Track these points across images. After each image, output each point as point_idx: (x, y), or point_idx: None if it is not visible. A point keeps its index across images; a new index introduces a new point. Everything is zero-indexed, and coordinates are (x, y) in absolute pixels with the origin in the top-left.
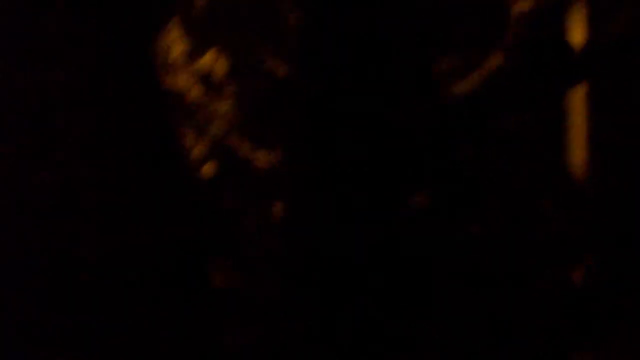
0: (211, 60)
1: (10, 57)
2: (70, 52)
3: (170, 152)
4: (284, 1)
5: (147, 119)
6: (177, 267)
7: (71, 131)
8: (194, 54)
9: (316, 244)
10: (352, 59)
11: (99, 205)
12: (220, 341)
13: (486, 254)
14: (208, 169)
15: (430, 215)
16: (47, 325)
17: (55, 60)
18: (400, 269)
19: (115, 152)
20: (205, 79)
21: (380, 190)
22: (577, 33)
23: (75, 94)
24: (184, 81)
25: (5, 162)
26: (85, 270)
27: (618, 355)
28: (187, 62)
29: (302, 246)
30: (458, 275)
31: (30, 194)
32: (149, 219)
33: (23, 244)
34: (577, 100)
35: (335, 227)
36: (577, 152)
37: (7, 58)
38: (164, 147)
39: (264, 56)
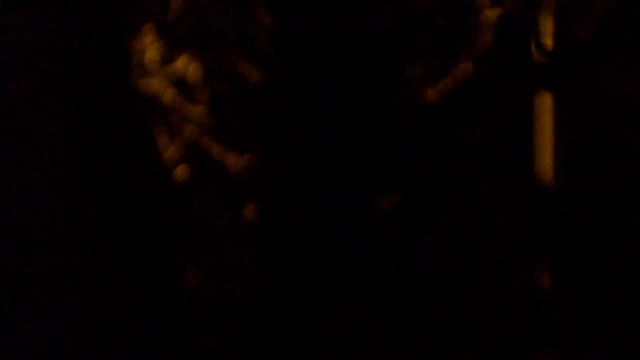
0: (184, 64)
1: None
2: (42, 56)
3: (143, 154)
4: (256, 6)
5: (120, 121)
6: (147, 269)
7: (42, 134)
8: (167, 57)
9: (287, 246)
10: (322, 64)
11: (69, 207)
12: (191, 342)
13: (450, 258)
14: (180, 171)
15: (396, 218)
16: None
17: (26, 63)
18: (367, 271)
19: (87, 154)
20: (179, 82)
21: (348, 193)
22: (543, 40)
23: (47, 96)
24: (157, 84)
25: None
26: (55, 275)
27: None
28: (161, 65)
29: (273, 248)
30: (422, 279)
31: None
32: (120, 220)
33: None
34: (544, 106)
35: (306, 229)
36: (544, 158)
37: None
38: (137, 149)
39: (236, 60)
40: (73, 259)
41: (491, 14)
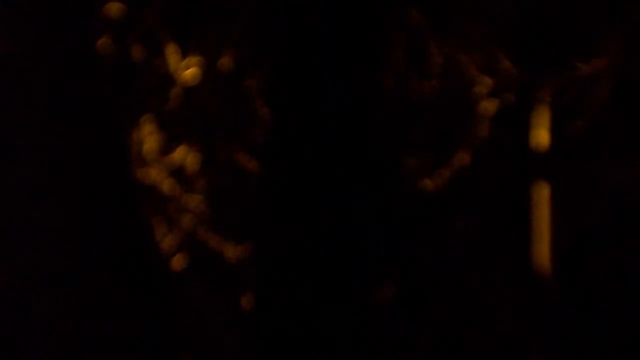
0: (183, 155)
1: None
2: (42, 146)
3: (141, 243)
4: (254, 99)
5: (118, 211)
6: (145, 357)
7: (43, 225)
8: (166, 147)
9: (284, 335)
10: (319, 157)
11: (66, 299)
12: None
13: (447, 348)
14: (178, 260)
15: (395, 310)
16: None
17: (27, 153)
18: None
19: (86, 244)
20: (177, 172)
21: (346, 284)
22: (540, 133)
23: (46, 187)
24: (155, 174)
25: None
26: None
27: None
28: (159, 155)
29: (270, 337)
30: None
31: None
32: (118, 310)
33: None
34: (541, 196)
35: (304, 319)
36: (541, 248)
37: None
38: (135, 238)
39: (234, 152)
40: (75, 355)
41: (488, 105)
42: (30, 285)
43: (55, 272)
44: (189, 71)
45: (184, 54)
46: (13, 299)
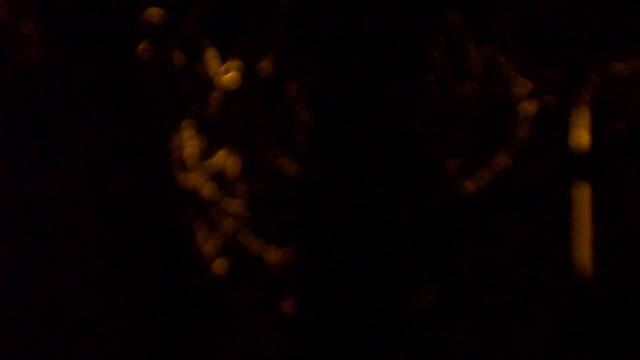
0: (223, 159)
1: (19, 159)
2: (84, 152)
3: (182, 248)
4: (294, 103)
5: (160, 216)
6: None
7: (82, 229)
8: (206, 152)
9: (325, 339)
10: (359, 159)
11: (108, 304)
12: None
13: (487, 351)
14: (219, 265)
15: (434, 313)
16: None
17: (69, 160)
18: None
19: (128, 249)
20: (218, 177)
21: (387, 286)
22: (580, 134)
23: (88, 193)
24: (196, 179)
25: None
26: None
27: None
28: (200, 160)
29: (311, 341)
30: None
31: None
32: (161, 316)
33: None
34: (582, 197)
35: (344, 323)
36: (582, 249)
37: (17, 161)
38: (176, 243)
39: (274, 156)
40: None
41: (528, 107)
42: (73, 290)
43: (98, 277)
44: (228, 76)
45: (224, 58)
46: (57, 304)
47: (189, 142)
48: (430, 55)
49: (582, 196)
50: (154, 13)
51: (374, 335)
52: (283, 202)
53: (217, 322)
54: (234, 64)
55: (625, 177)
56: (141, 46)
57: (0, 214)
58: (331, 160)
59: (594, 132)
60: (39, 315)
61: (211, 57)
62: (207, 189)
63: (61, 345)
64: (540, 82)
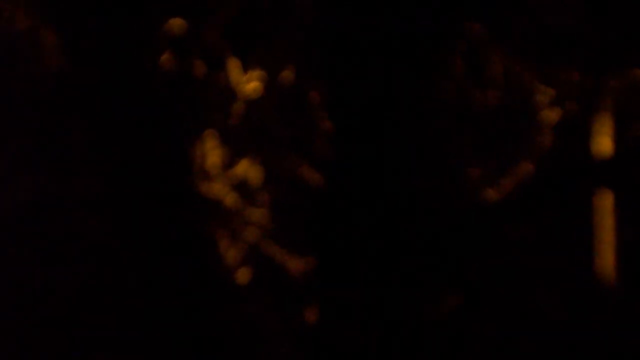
0: (245, 169)
1: (39, 167)
2: (105, 162)
3: (204, 258)
4: (317, 112)
5: (182, 226)
6: None
7: (103, 238)
8: (229, 162)
9: (348, 349)
10: (381, 168)
11: (128, 312)
12: None
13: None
14: (242, 274)
15: (459, 321)
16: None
17: (89, 169)
18: None
19: (149, 257)
20: (240, 186)
21: (408, 295)
22: (603, 141)
23: (110, 201)
24: (219, 188)
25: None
26: None
27: None
28: (222, 170)
29: (334, 351)
30: None
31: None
32: (182, 325)
33: None
34: (605, 205)
35: (368, 333)
36: (606, 257)
37: (37, 169)
38: (199, 252)
39: (297, 165)
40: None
41: (550, 114)
42: (93, 295)
43: (118, 284)
44: (250, 85)
45: (246, 68)
46: (76, 307)
47: (211, 152)
48: (452, 63)
49: (605, 203)
50: (177, 23)
51: (396, 343)
52: (306, 211)
53: (238, 331)
54: (256, 73)
55: None
56: (163, 57)
57: (19, 220)
58: (353, 169)
59: (616, 139)
60: (50, 321)
61: (233, 66)
62: (230, 199)
63: (74, 351)
64: (562, 90)
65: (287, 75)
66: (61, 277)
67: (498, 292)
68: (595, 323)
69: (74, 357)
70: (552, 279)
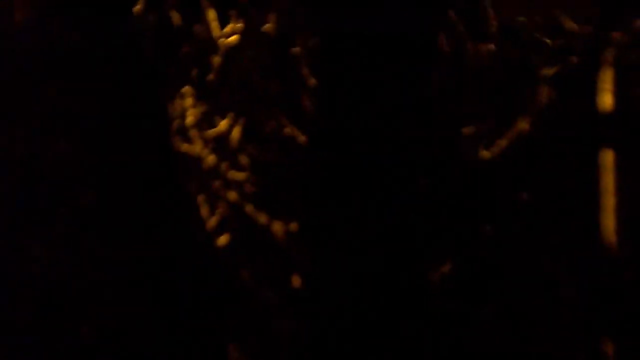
0: (226, 127)
1: (10, 126)
2: (83, 121)
3: (185, 221)
4: (301, 67)
5: (160, 189)
6: (192, 340)
7: (80, 202)
8: (208, 120)
9: (336, 315)
10: (372, 126)
11: (112, 281)
12: None
13: (510, 324)
14: (223, 238)
15: (453, 287)
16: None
17: (67, 128)
18: (420, 343)
19: (127, 222)
20: (221, 146)
21: (399, 261)
22: (604, 98)
23: (88, 163)
24: (199, 149)
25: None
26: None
27: None
28: (202, 129)
29: (322, 318)
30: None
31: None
32: (164, 291)
33: None
34: (606, 164)
35: (356, 300)
36: (606, 219)
37: (7, 128)
38: (179, 216)
39: (281, 123)
40: (111, 332)
41: (549, 71)
42: (67, 264)
43: (93, 251)
44: (231, 39)
45: (226, 20)
46: (52, 276)
47: (190, 110)
48: (445, 15)
49: (606, 162)
50: None
51: (387, 311)
52: (291, 172)
53: (222, 296)
54: (237, 25)
55: None
56: (137, 7)
57: None
58: (340, 128)
59: (618, 95)
60: (30, 288)
61: (212, 18)
62: (211, 160)
63: (56, 321)
64: (561, 43)
65: (270, 28)
66: (37, 242)
67: (494, 259)
68: (599, 283)
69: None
70: (552, 243)
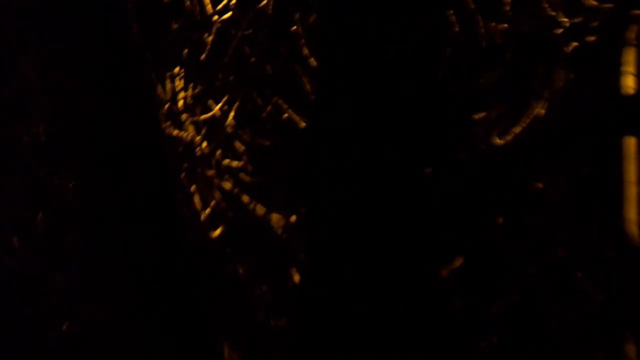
0: (221, 111)
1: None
2: (75, 103)
3: (177, 211)
4: (299, 47)
5: (152, 176)
6: (184, 335)
7: (67, 190)
8: (201, 104)
9: (335, 309)
10: (377, 110)
11: (100, 274)
12: None
13: (528, 314)
14: (218, 230)
15: (460, 284)
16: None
17: (59, 109)
18: (421, 341)
19: (118, 209)
20: (215, 131)
21: (404, 255)
22: (626, 80)
23: (75, 151)
24: (191, 134)
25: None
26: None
27: None
28: (194, 113)
29: (320, 312)
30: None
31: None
32: (157, 283)
33: None
34: (627, 151)
35: (356, 293)
36: (629, 210)
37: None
38: (171, 206)
39: (279, 108)
40: (103, 326)
41: (566, 49)
42: (49, 255)
43: (84, 236)
44: (226, 16)
45: None
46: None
47: (182, 92)
48: None
49: (629, 150)
50: None
51: (389, 306)
52: (289, 158)
53: (218, 288)
54: (231, 1)
55: None
56: None
57: None
58: (344, 113)
59: None
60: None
61: None
62: (203, 144)
63: (41, 315)
64: (580, 21)
65: (266, 5)
66: (19, 231)
67: (509, 251)
68: (618, 279)
69: (36, 316)
70: (570, 234)
